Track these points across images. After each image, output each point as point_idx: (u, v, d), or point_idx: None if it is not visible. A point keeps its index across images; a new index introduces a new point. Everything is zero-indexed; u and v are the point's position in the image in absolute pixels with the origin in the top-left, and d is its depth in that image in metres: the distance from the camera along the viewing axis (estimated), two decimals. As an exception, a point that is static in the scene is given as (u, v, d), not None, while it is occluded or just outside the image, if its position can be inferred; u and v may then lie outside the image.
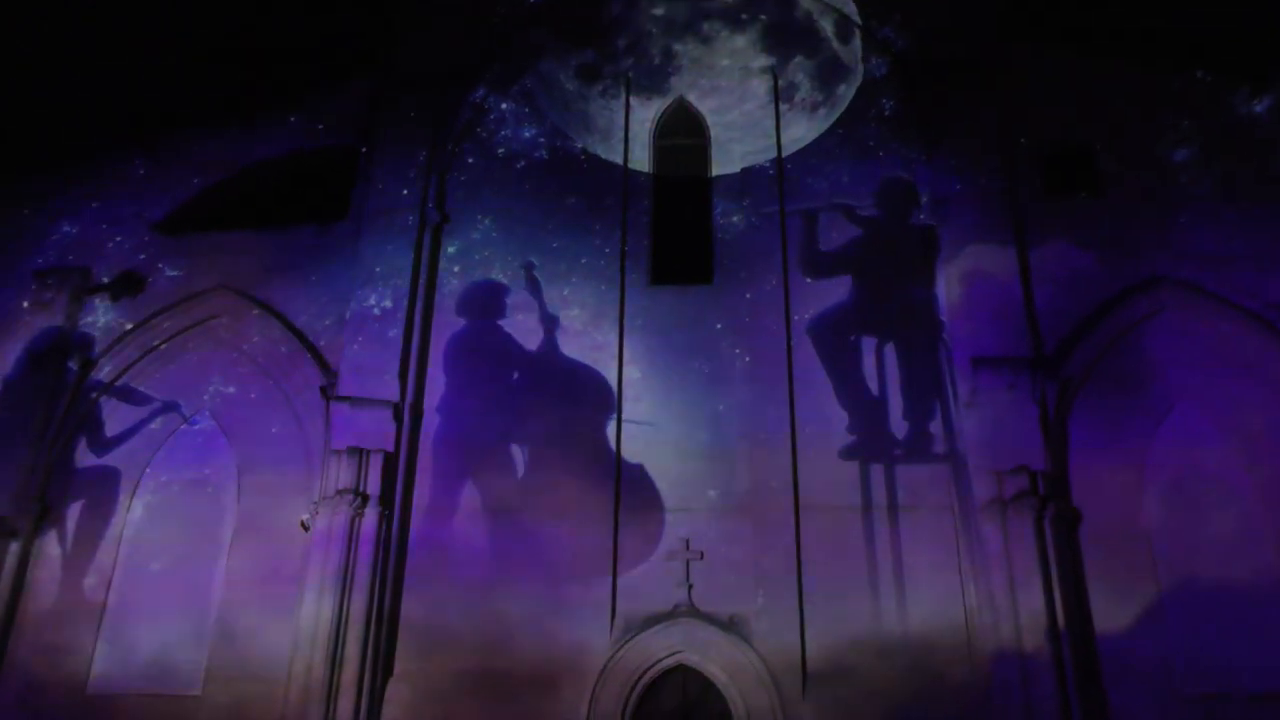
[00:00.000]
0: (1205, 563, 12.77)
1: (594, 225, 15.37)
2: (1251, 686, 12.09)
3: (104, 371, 14.70)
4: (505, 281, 15.03)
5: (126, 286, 15.21)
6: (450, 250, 15.28)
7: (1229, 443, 13.38)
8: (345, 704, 12.19)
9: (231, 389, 14.55)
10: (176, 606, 13.34)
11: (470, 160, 15.89)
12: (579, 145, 16.14)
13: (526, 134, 16.11)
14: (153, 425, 14.44)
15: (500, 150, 16.00)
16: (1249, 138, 14.99)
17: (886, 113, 15.83)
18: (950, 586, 12.86)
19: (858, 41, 16.19)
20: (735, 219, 15.42)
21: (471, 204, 15.58)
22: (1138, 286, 14.09)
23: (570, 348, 14.59)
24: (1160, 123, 15.19)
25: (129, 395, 14.59)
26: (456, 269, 15.18)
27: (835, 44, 16.38)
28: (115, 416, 14.55)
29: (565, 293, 14.93)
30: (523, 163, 15.92)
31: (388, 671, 12.79)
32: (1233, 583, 12.63)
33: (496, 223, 15.46)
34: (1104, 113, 15.44)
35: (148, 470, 14.23)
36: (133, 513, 14.01)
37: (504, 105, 16.21)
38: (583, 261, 15.11)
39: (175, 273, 15.21)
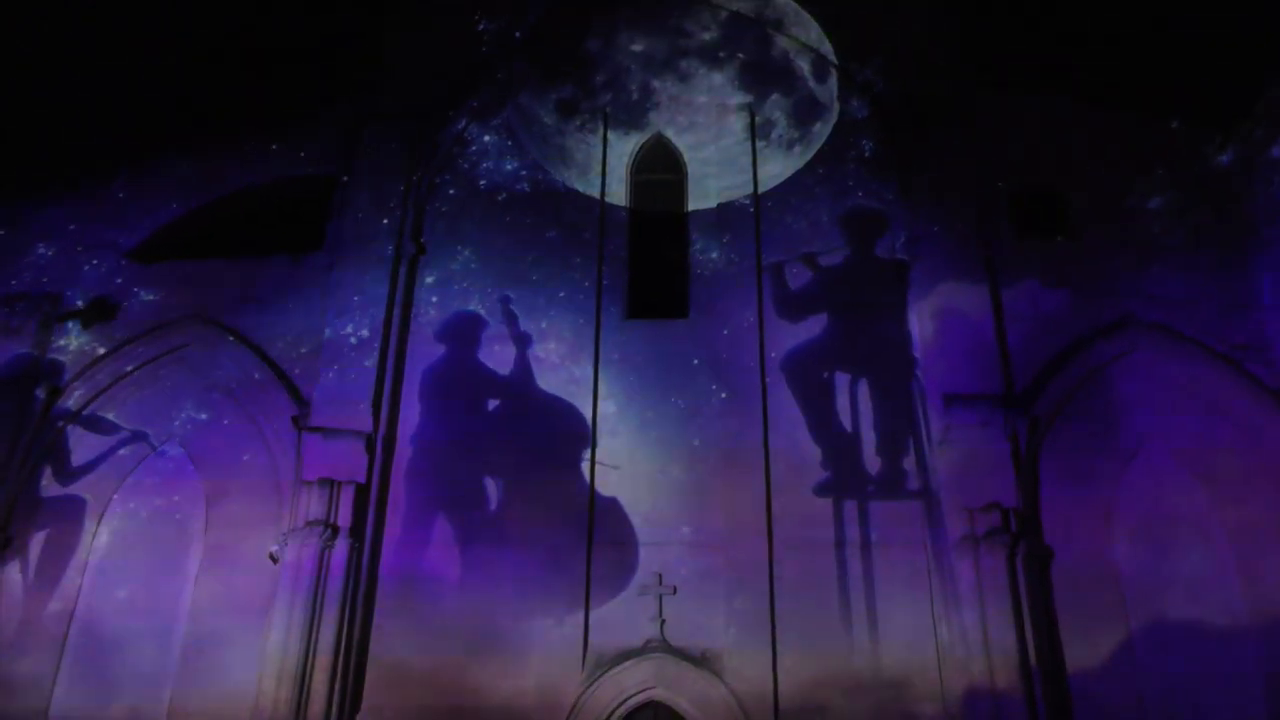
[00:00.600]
0: (1174, 603, 12.86)
1: (574, 259, 15.41)
2: (1223, 726, 12.16)
3: (72, 399, 14.50)
4: (483, 314, 15.01)
5: (98, 313, 15.06)
6: (429, 280, 15.26)
7: (1197, 483, 13.52)
8: (312, 739, 12.02)
9: (202, 418, 14.41)
10: (140, 638, 13.14)
11: (451, 192, 15.90)
12: (560, 179, 16.21)
13: (508, 166, 16.15)
14: (121, 453, 14.25)
15: (482, 182, 16.02)
16: (1216, 184, 15.26)
17: (862, 152, 16.00)
18: (923, 623, 12.88)
19: (834, 81, 16.40)
20: (711, 254, 15.50)
21: (452, 235, 15.56)
22: (1107, 327, 14.26)
23: (547, 381, 14.57)
24: (1129, 167, 15.45)
25: (96, 424, 14.41)
26: (435, 299, 15.15)
27: (812, 83, 16.58)
28: (82, 445, 14.35)
29: (544, 325, 14.93)
30: (504, 195, 15.93)
31: (355, 706, 12.62)
32: (1201, 623, 12.73)
33: (476, 254, 15.44)
34: (1075, 156, 15.69)
35: (114, 498, 14.04)
36: (98, 542, 13.79)
37: (486, 138, 16.26)
38: (561, 295, 15.13)
39: (148, 300, 15.07)
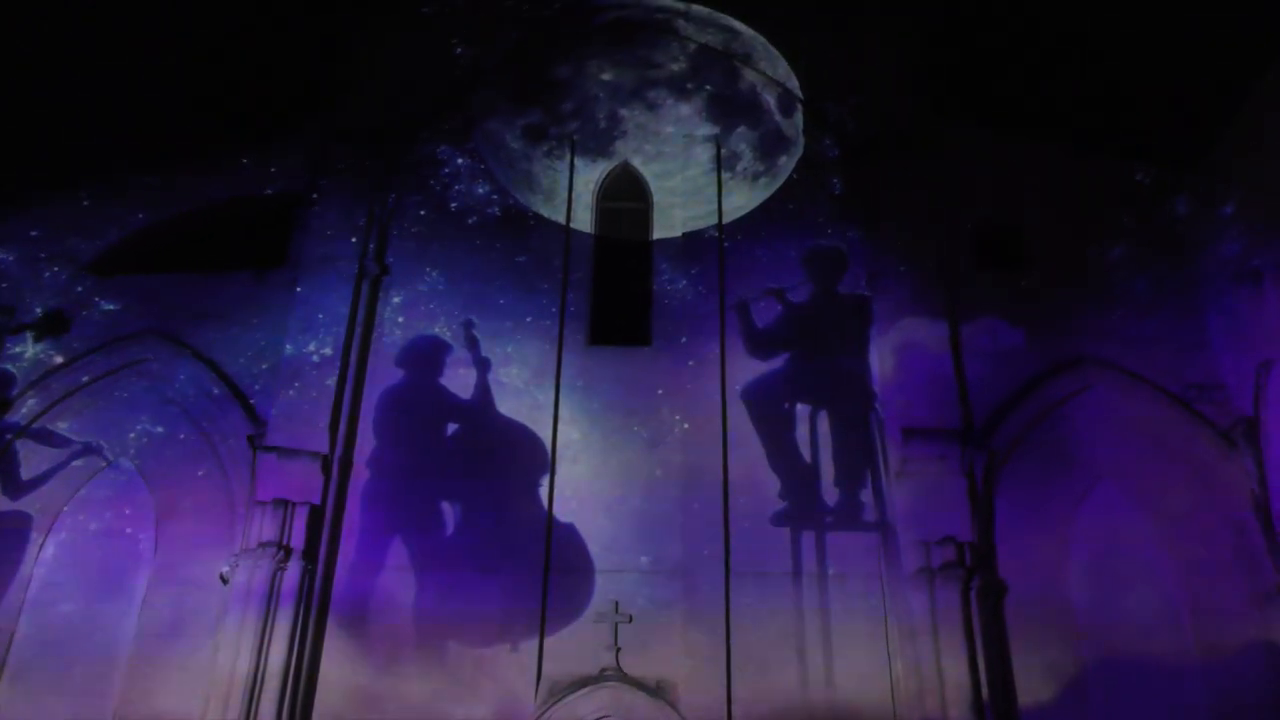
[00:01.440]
0: (1126, 639, 12.98)
1: (540, 284, 15.40)
2: (1169, 763, 12.27)
3: (21, 412, 14.22)
4: (446, 337, 14.94)
5: (51, 325, 14.83)
6: (395, 300, 15.16)
7: (1148, 521, 13.70)
8: (258, 765, 11.81)
9: (156, 434, 14.20)
10: (83, 658, 12.84)
11: (421, 213, 15.83)
12: (526, 204, 16.22)
13: (479, 190, 16.13)
14: (72, 466, 13.98)
15: (453, 204, 15.98)
16: (1171, 225, 15.57)
17: (826, 186, 16.17)
18: (877, 655, 12.90)
19: (799, 115, 16.60)
20: (675, 284, 15.56)
21: (420, 257, 15.49)
22: (1064, 364, 14.45)
23: (511, 405, 14.51)
24: (1088, 208, 15.74)
25: (48, 438, 14.16)
26: (400, 320, 15.04)
27: (778, 117, 16.78)
28: (33, 459, 14.06)
29: (509, 350, 14.88)
30: (474, 218, 15.89)
31: (303, 732, 12.42)
32: (1153, 659, 12.84)
33: (444, 276, 15.36)
34: (1036, 196, 15.94)
35: (63, 513, 13.77)
36: (42, 559, 13.51)
37: (458, 160, 16.26)
38: (528, 320, 15.09)
39: (106, 312, 14.85)
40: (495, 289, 15.30)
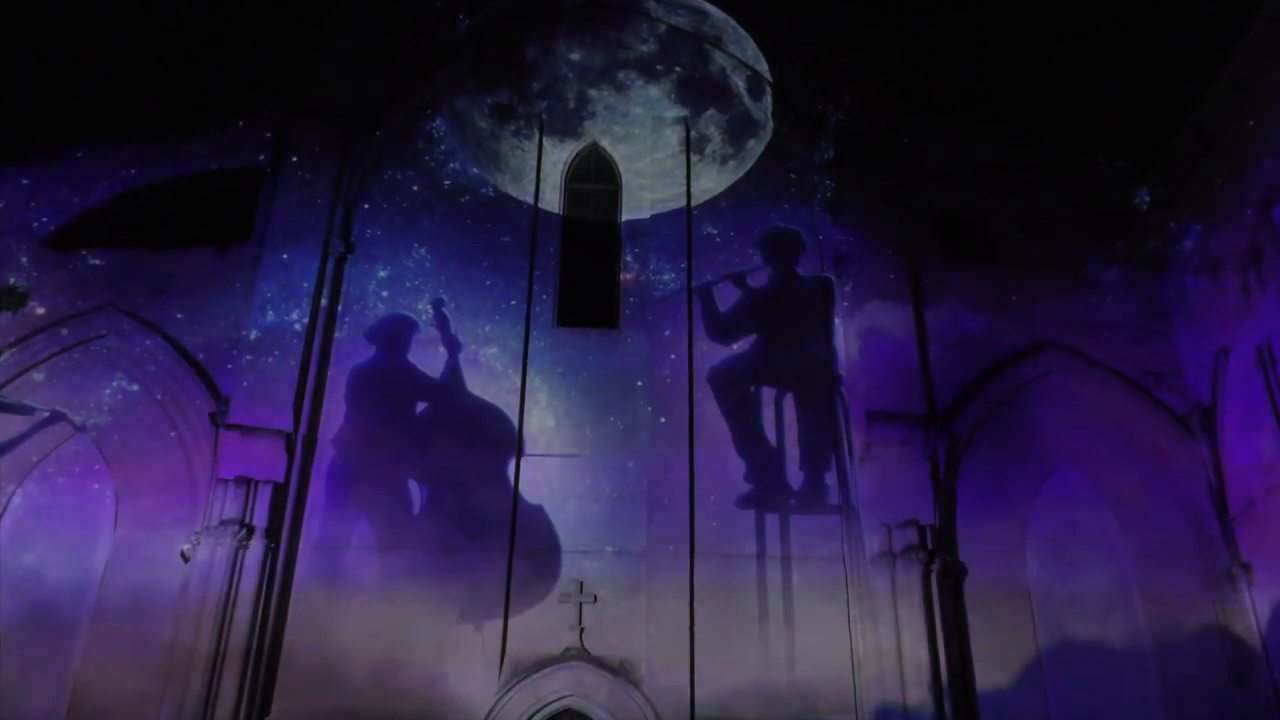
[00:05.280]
0: (1082, 621, 13.24)
1: (509, 265, 15.33)
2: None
3: (-24, 388, 13.94)
4: (412, 315, 14.84)
5: (7, 300, 14.53)
6: (359, 278, 15.01)
7: (1106, 504, 13.97)
8: (218, 742, 11.72)
9: (115, 411, 13.95)
10: (41, 636, 12.60)
11: (387, 191, 15.68)
12: (493, 183, 16.10)
13: (446, 168, 16.02)
14: (28, 442, 13.71)
15: (417, 185, 15.81)
16: (1132, 215, 15.82)
17: (793, 170, 16.22)
18: (839, 637, 13.04)
19: (768, 99, 16.63)
20: (643, 266, 15.56)
21: (387, 235, 15.35)
22: (1026, 350, 14.68)
23: (485, 385, 14.44)
24: (1052, 197, 15.95)
25: (12, 407, 13.83)
26: (366, 298, 14.89)
27: (747, 100, 16.80)
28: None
29: (487, 329, 14.82)
30: (441, 197, 15.74)
31: (265, 709, 12.30)
32: (1107, 640, 13.11)
33: (409, 255, 15.24)
34: (1000, 184, 16.16)
35: (20, 490, 13.49)
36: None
37: (426, 139, 16.12)
38: (495, 300, 15.02)
39: (63, 287, 14.55)
40: (463, 268, 15.22)
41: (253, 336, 14.07)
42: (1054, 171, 16.30)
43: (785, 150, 16.38)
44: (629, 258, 15.71)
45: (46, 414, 13.80)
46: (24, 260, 14.76)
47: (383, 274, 15.14)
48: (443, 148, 16.18)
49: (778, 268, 15.51)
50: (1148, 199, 15.82)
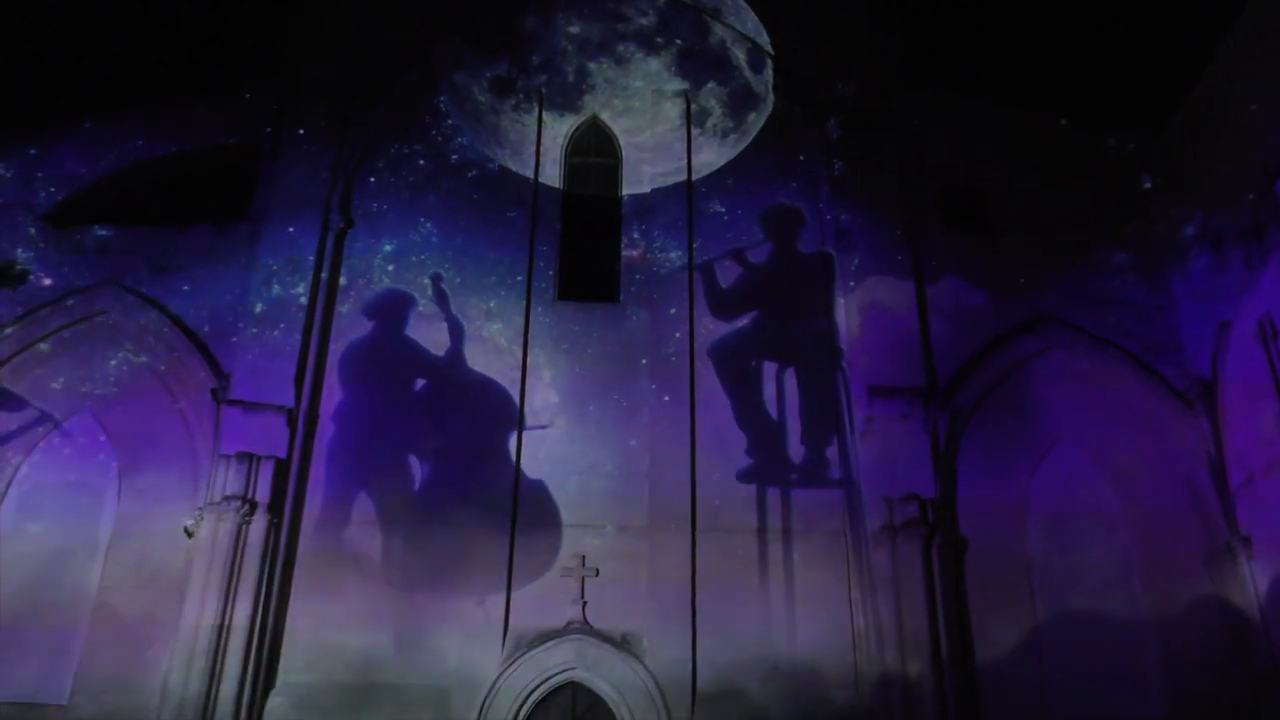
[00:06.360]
0: (1081, 593, 13.31)
1: (510, 239, 15.27)
2: (1124, 713, 12.62)
3: (-21, 365, 13.93)
4: (415, 292, 14.79)
5: (5, 279, 14.45)
6: (359, 254, 14.97)
7: (1106, 478, 14.00)
8: (223, 717, 11.81)
9: (116, 389, 13.97)
10: (46, 612, 12.69)
11: (386, 166, 15.61)
12: (493, 158, 16.02)
13: (446, 143, 15.95)
14: (30, 422, 13.73)
15: (420, 160, 15.75)
16: (1134, 190, 15.75)
17: (795, 145, 16.15)
18: (840, 610, 13.11)
19: (769, 72, 16.52)
20: (644, 239, 15.51)
21: (385, 211, 15.31)
22: (1027, 325, 14.66)
23: (489, 360, 14.41)
24: (1055, 171, 15.86)
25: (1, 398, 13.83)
26: (363, 275, 14.87)
27: (747, 73, 16.69)
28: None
29: (491, 305, 14.80)
30: (440, 172, 15.74)
31: (270, 683, 12.43)
32: (1106, 613, 13.18)
33: (408, 230, 15.23)
34: (1002, 159, 16.08)
35: (24, 468, 13.54)
36: (4, 513, 13.29)
37: (426, 114, 16.03)
38: (518, 279, 14.97)
39: (62, 265, 14.53)
40: (469, 242, 15.18)
41: (257, 309, 14.07)
42: (1055, 147, 16.21)
43: (787, 124, 16.30)
44: (635, 234, 15.64)
45: (35, 413, 13.75)
46: (22, 237, 14.70)
47: (388, 248, 15.12)
48: (450, 122, 16.11)
49: (779, 243, 15.47)
50: (1149, 174, 15.77)
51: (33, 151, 15.36)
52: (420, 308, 14.73)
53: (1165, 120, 15.83)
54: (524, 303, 14.81)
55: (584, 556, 13.25)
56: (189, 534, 12.75)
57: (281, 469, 13.11)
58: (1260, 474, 13.16)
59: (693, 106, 16.59)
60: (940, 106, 16.52)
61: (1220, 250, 14.22)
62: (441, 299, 14.75)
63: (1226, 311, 13.88)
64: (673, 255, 15.27)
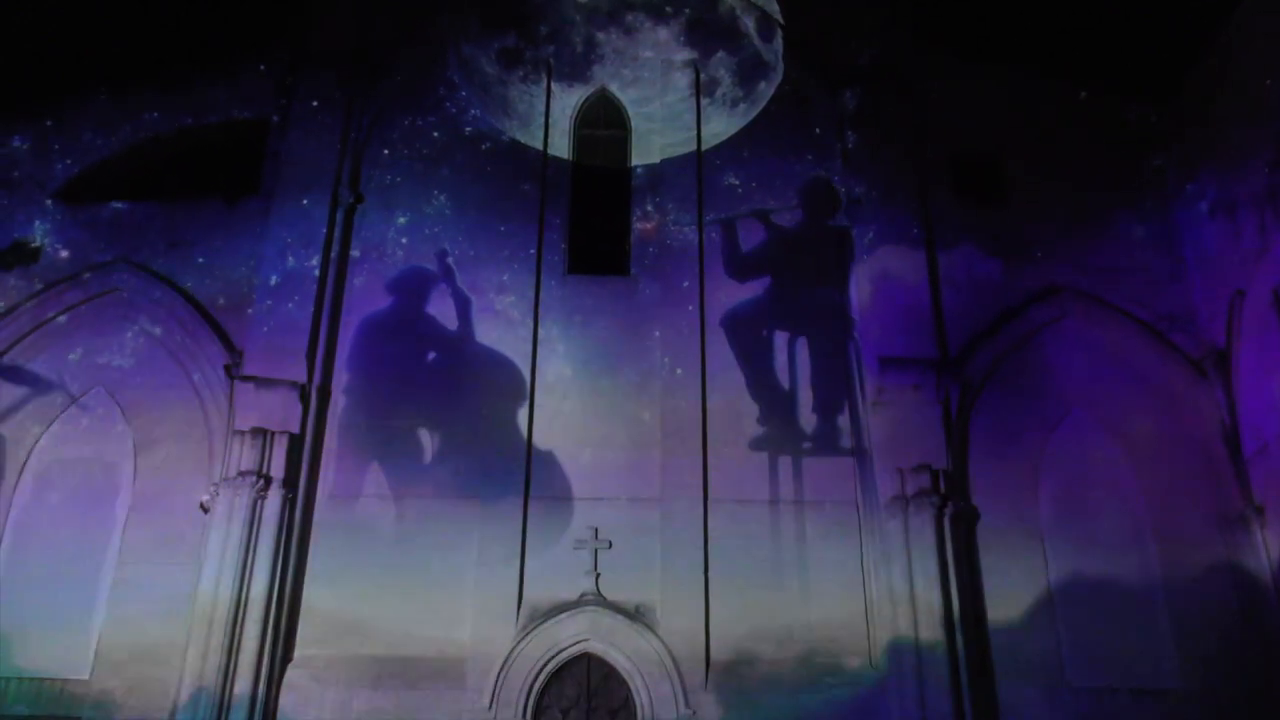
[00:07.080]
0: (1094, 562, 13.30)
1: (518, 212, 15.22)
2: (1137, 681, 12.65)
3: (-6, 343, 14.00)
4: (428, 265, 14.78)
5: (19, 255, 14.55)
6: (384, 227, 14.98)
7: (1119, 448, 13.96)
8: (241, 690, 11.96)
9: (130, 365, 14.06)
10: (65, 588, 12.83)
11: (396, 138, 15.56)
12: (501, 129, 15.95)
13: (455, 115, 15.91)
14: (45, 399, 13.82)
15: (435, 132, 15.69)
16: (1147, 158, 15.63)
17: (805, 114, 16.05)
18: (852, 579, 13.16)
19: (779, 40, 16.39)
20: (654, 211, 15.46)
21: (396, 185, 15.30)
22: (1039, 293, 14.58)
23: (502, 334, 14.41)
24: (1068, 139, 15.72)
25: (17, 375, 13.91)
26: (376, 249, 14.88)
27: (757, 41, 16.55)
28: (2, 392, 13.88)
29: (504, 278, 14.79)
30: (451, 144, 15.65)
31: (287, 656, 12.57)
32: (1120, 582, 13.18)
33: (420, 203, 15.22)
34: (1015, 126, 15.92)
35: (40, 444, 13.65)
36: (21, 490, 13.44)
37: (435, 86, 15.97)
38: (530, 252, 14.93)
39: (75, 242, 14.59)
40: (482, 215, 15.14)
41: (264, 287, 14.08)
42: (1069, 113, 16.04)
43: (797, 92, 16.18)
44: (649, 207, 15.57)
45: (49, 385, 13.81)
46: (35, 214, 14.75)
47: (402, 221, 15.11)
48: (463, 94, 16.05)
49: (795, 210, 15.40)
50: (1163, 141, 15.63)
51: (49, 123, 15.38)
52: (432, 282, 14.70)
53: (1179, 87, 15.63)
54: (551, 276, 14.79)
55: (597, 529, 13.31)
56: (205, 509, 12.85)
57: (295, 444, 13.18)
58: (1274, 443, 13.10)
59: (702, 76, 16.48)
60: (953, 74, 16.34)
61: (1234, 217, 14.10)
62: (448, 274, 14.75)
63: (1240, 280, 13.78)
64: (682, 226, 15.22)
